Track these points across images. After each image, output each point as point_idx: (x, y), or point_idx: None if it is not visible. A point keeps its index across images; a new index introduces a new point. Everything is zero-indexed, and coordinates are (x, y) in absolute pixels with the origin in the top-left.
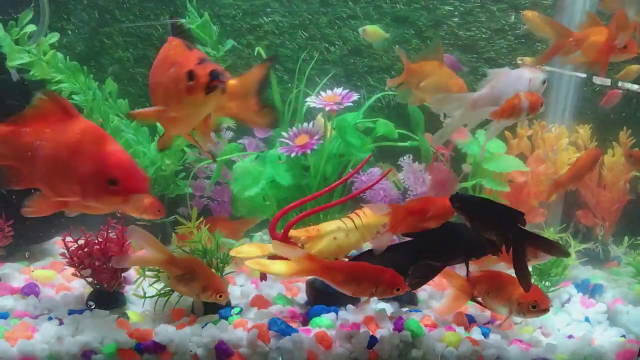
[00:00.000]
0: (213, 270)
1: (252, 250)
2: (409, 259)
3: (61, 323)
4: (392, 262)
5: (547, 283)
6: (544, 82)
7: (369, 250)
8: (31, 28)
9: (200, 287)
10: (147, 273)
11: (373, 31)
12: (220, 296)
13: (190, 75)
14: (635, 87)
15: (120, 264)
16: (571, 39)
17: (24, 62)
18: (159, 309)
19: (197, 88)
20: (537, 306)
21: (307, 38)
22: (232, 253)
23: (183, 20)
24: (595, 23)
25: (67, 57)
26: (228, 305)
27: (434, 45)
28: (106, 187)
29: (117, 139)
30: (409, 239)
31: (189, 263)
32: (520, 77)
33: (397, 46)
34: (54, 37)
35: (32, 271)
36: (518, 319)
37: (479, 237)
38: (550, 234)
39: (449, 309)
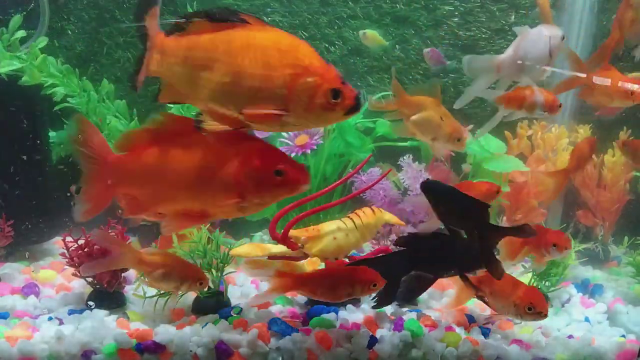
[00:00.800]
0: (213, 269)
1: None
2: (403, 269)
3: (61, 323)
4: (385, 272)
5: (547, 283)
6: (562, 38)
7: (365, 259)
8: (22, 34)
9: (178, 280)
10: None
11: (372, 36)
12: (201, 283)
13: (336, 93)
14: (635, 87)
15: (89, 271)
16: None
17: (15, 68)
18: (159, 309)
19: (339, 108)
20: (533, 309)
21: (307, 38)
22: (232, 253)
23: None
24: (608, 69)
25: (67, 57)
26: (228, 305)
27: (434, 86)
28: (273, 179)
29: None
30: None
31: (160, 258)
32: (540, 36)
33: (393, 73)
34: (43, 42)
35: (32, 271)
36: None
37: (474, 248)
38: None
39: (454, 304)
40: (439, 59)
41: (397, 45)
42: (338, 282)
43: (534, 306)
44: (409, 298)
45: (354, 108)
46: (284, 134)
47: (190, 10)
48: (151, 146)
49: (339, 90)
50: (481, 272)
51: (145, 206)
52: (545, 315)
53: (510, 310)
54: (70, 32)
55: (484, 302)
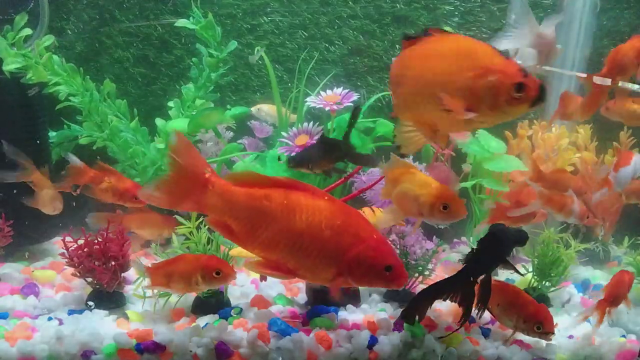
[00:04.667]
0: None
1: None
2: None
3: (61, 323)
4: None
5: (547, 283)
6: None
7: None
8: (27, 32)
9: None
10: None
11: (269, 110)
12: None
13: (519, 87)
14: (635, 87)
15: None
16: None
17: (20, 66)
18: (159, 309)
19: (525, 101)
20: (542, 327)
21: (307, 38)
22: (232, 253)
23: (188, 22)
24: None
25: (67, 57)
26: (228, 305)
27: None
28: (382, 274)
29: (116, 139)
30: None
31: None
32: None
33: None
34: (49, 40)
35: (32, 271)
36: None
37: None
38: (550, 234)
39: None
40: None
41: (397, 46)
42: (183, 267)
43: (542, 325)
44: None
45: (539, 98)
46: (283, 133)
47: (194, 9)
48: (268, 191)
49: (523, 84)
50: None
51: (240, 241)
52: (553, 335)
53: (519, 325)
54: (70, 32)
55: (491, 312)
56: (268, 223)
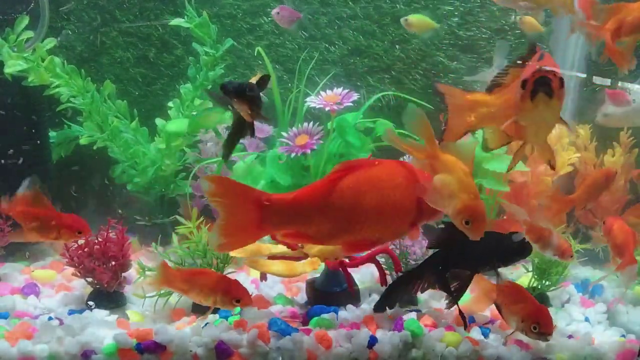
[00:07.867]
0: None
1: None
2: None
3: (61, 323)
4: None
5: (547, 283)
6: None
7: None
8: (28, 34)
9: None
10: (148, 273)
11: (418, 22)
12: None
13: (523, 83)
14: (635, 87)
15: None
16: None
17: (22, 68)
18: (159, 309)
19: (526, 94)
20: (538, 328)
21: (307, 38)
22: (232, 253)
23: (182, 21)
24: None
25: (67, 57)
26: None
27: (467, 146)
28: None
29: (116, 140)
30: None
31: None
32: None
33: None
34: (51, 43)
35: (32, 271)
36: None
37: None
38: None
39: (471, 311)
40: (292, 14)
41: (397, 46)
42: (204, 286)
43: (539, 326)
44: (457, 297)
45: (538, 90)
46: (283, 133)
47: (190, 10)
48: (325, 188)
49: (525, 81)
50: (505, 282)
51: (319, 241)
52: (550, 336)
53: (518, 325)
54: (70, 32)
55: (499, 311)
56: (336, 216)
